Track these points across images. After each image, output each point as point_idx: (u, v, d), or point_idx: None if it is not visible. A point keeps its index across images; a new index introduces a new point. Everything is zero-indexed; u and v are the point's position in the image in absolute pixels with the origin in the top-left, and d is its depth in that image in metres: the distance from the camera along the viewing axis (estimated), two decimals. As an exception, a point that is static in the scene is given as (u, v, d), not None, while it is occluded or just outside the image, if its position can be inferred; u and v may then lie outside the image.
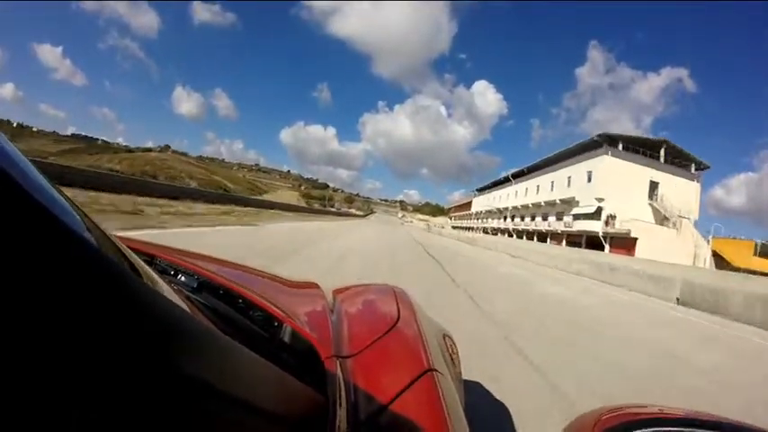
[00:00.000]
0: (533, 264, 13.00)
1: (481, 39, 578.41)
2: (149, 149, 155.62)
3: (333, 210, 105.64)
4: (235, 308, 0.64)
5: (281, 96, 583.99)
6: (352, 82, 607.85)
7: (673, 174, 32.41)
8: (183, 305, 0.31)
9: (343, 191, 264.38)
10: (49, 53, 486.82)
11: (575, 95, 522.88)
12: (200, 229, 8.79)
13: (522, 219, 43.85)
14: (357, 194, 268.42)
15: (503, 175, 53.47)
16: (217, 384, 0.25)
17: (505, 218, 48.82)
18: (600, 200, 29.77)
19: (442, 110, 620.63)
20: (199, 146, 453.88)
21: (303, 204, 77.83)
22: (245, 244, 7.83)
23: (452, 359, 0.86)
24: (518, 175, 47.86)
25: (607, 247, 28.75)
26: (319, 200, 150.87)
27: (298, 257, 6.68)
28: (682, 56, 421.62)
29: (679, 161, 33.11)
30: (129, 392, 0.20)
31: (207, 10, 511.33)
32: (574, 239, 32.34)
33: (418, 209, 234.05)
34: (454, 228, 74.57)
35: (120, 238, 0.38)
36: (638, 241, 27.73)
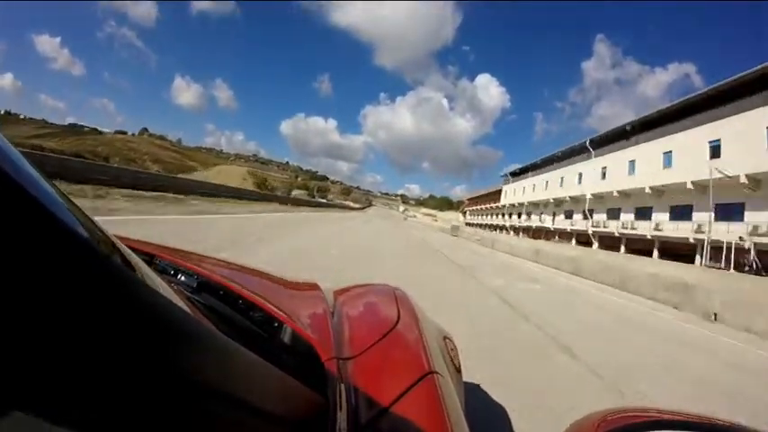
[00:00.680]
0: None
1: (486, 31, 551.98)
2: (123, 132, 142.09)
3: (323, 201, 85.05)
4: (235, 308, 0.64)
5: (281, 87, 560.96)
6: (354, 73, 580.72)
7: None
8: (183, 305, 0.31)
9: (342, 183, 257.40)
10: (47, 43, 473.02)
11: (580, 90, 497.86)
12: None
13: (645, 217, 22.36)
14: (357, 187, 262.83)
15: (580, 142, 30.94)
16: (217, 385, 0.25)
17: (586, 214, 27.54)
18: None
19: (445, 102, 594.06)
20: (200, 137, 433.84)
21: (251, 188, 53.62)
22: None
23: (453, 361, 0.85)
24: (598, 145, 28.64)
25: None
26: (306, 189, 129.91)
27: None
28: (689, 51, 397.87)
29: None
30: (129, 392, 0.20)
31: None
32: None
33: (422, 202, 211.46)
34: (468, 225, 58.08)
35: (120, 237, 0.38)
36: None
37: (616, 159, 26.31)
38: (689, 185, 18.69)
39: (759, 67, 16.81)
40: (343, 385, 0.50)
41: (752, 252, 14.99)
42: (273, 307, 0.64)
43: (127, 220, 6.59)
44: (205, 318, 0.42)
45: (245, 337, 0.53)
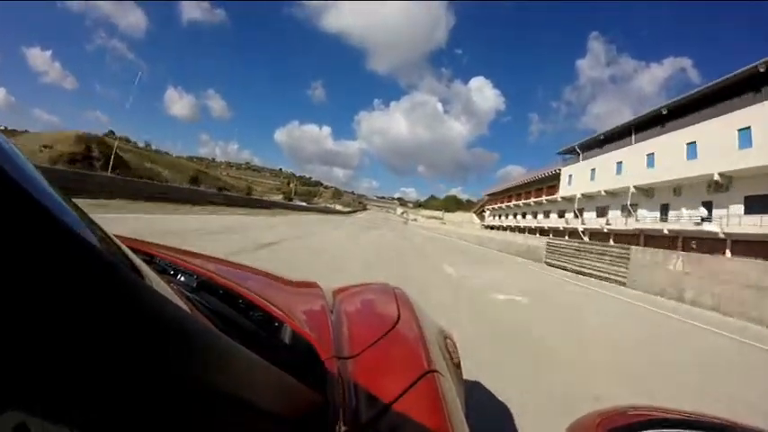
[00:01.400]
0: None
1: (479, 31, 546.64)
2: (86, 134, 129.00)
3: (302, 205, 68.84)
4: (234, 308, 0.64)
5: (274, 95, 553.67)
6: (347, 79, 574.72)
7: None
8: (183, 305, 0.31)
9: (336, 188, 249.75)
10: (38, 57, 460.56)
11: (575, 88, 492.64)
12: None
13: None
14: (352, 192, 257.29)
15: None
16: (216, 385, 0.25)
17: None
18: None
19: (439, 106, 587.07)
20: (194, 147, 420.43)
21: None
22: None
23: (453, 360, 0.84)
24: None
25: None
26: (284, 194, 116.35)
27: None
28: (684, 45, 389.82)
29: None
30: (129, 392, 0.20)
31: (195, 7, 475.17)
32: None
33: (421, 204, 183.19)
34: (488, 228, 42.50)
35: (119, 237, 0.38)
36: None
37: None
38: None
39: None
40: (343, 384, 0.50)
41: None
42: (273, 306, 0.64)
43: None
44: (204, 317, 0.42)
45: (245, 336, 0.53)
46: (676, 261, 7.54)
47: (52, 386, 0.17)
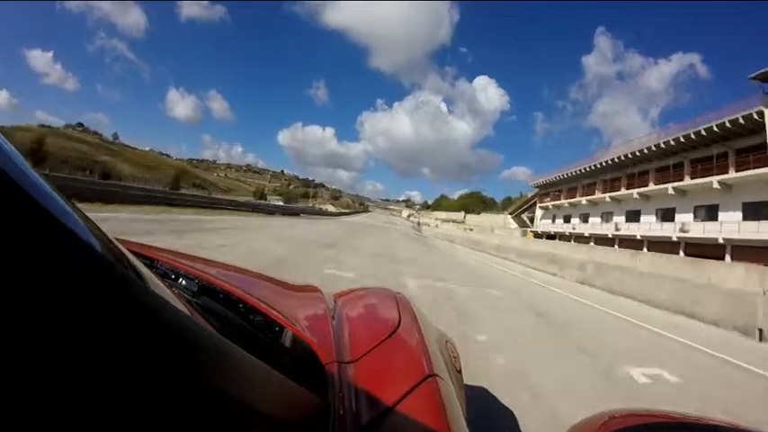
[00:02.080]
0: None
1: (484, 29, 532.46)
2: (48, 126, 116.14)
3: (283, 206, 49.67)
4: (236, 312, 0.64)
5: (277, 96, 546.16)
6: (350, 78, 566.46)
7: None
8: (184, 309, 0.31)
9: (337, 190, 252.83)
10: (39, 58, 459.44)
11: (581, 86, 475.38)
12: None
13: None
14: (356, 195, 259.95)
15: None
16: (218, 389, 0.26)
17: None
18: None
19: (443, 106, 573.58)
20: (198, 149, 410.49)
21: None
22: None
23: (454, 364, 0.84)
24: None
25: None
26: (279, 195, 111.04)
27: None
28: (693, 41, 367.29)
29: None
30: (130, 395, 0.20)
31: (194, 5, 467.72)
32: None
33: (429, 206, 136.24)
34: (551, 238, 23.96)
35: (121, 241, 0.38)
36: None
37: None
38: None
39: None
40: (343, 388, 0.50)
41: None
42: (274, 310, 0.64)
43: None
44: (206, 321, 0.42)
45: (246, 340, 0.53)
46: None
47: (53, 388, 0.17)
